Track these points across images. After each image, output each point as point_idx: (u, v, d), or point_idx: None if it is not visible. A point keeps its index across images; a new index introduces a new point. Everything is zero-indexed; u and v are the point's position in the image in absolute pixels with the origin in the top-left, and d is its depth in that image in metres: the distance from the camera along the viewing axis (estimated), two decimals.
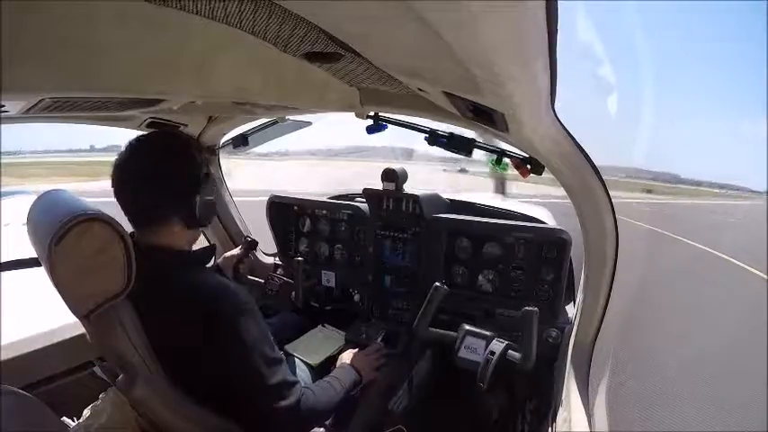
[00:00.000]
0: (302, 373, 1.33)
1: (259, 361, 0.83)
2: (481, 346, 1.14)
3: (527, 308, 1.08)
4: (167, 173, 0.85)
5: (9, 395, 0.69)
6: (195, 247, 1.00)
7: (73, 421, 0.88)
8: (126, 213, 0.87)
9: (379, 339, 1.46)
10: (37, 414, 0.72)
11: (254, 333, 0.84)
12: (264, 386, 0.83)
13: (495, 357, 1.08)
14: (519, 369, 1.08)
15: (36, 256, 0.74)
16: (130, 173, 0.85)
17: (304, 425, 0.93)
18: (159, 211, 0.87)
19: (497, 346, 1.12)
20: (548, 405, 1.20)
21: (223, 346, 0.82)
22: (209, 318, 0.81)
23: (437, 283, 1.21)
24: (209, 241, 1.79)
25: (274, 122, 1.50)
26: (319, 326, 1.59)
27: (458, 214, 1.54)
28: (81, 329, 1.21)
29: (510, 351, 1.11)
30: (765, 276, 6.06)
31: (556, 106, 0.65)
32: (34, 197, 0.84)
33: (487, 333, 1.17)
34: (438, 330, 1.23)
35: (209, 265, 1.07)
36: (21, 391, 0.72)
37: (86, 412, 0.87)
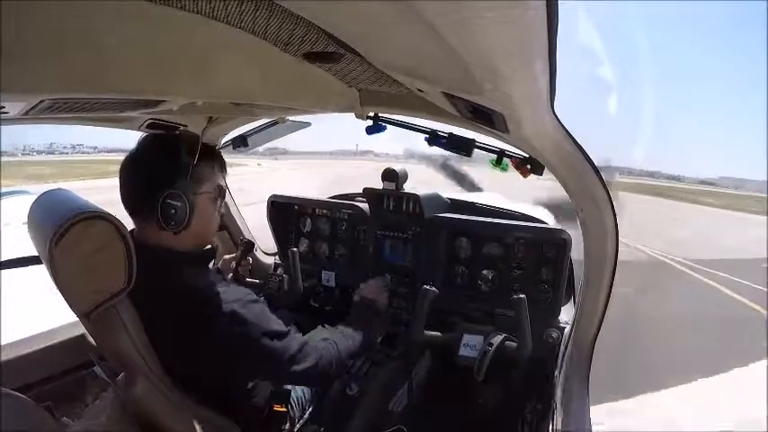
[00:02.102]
0: None
1: (269, 341, 0.86)
2: (480, 342, 1.16)
3: (515, 296, 1.10)
4: (140, 170, 0.89)
5: (4, 398, 0.69)
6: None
7: (73, 421, 0.88)
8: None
9: (379, 339, 1.46)
10: (33, 418, 0.72)
11: (258, 317, 0.87)
12: (283, 360, 0.87)
13: (492, 348, 1.11)
14: (516, 356, 1.10)
15: (36, 254, 0.74)
16: (121, 170, 0.89)
17: (330, 376, 0.99)
18: (136, 208, 0.89)
19: (496, 338, 1.14)
20: (548, 405, 1.20)
21: (229, 340, 0.83)
22: (209, 317, 0.81)
23: (425, 286, 1.21)
24: (210, 243, 1.79)
25: (274, 123, 1.50)
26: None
27: (458, 214, 1.54)
28: (81, 329, 1.22)
29: (507, 342, 1.13)
30: None
31: (555, 106, 0.66)
32: (34, 197, 0.84)
33: (486, 329, 1.19)
34: (434, 333, 1.23)
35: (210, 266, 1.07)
36: (17, 393, 0.72)
37: (87, 412, 0.87)
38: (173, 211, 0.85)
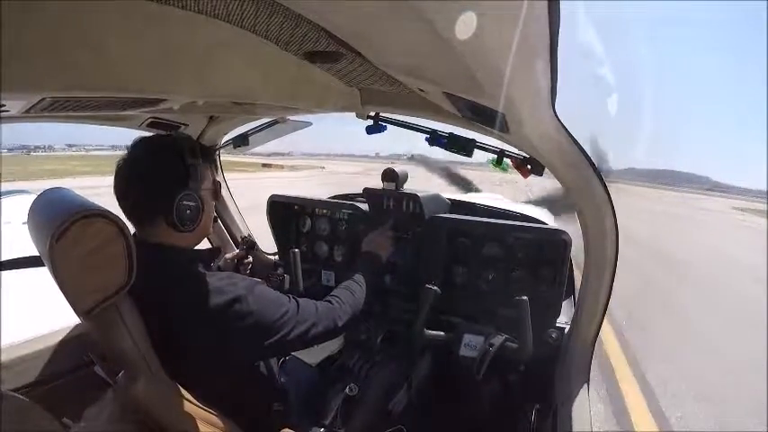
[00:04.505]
0: (302, 373, 1.34)
1: (279, 314, 0.89)
2: (481, 342, 1.16)
3: (517, 297, 1.11)
4: (147, 173, 0.87)
5: (4, 398, 0.69)
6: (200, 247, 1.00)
7: (73, 421, 0.88)
8: (123, 212, 0.88)
9: (379, 339, 1.46)
10: (33, 418, 0.72)
11: (265, 296, 0.89)
12: (293, 326, 0.91)
13: (493, 348, 1.12)
14: (516, 357, 1.11)
15: (36, 254, 0.74)
16: (121, 174, 0.88)
17: (337, 327, 1.02)
18: (143, 211, 0.89)
19: (497, 339, 1.15)
20: (548, 405, 1.20)
21: (250, 323, 0.84)
22: (220, 306, 0.82)
23: (427, 285, 1.22)
24: (211, 243, 1.79)
25: (275, 122, 1.50)
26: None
27: (458, 214, 1.54)
28: (81, 329, 1.22)
29: (508, 343, 1.14)
30: None
31: (556, 106, 0.66)
32: (34, 196, 0.84)
33: (486, 329, 1.19)
34: (435, 332, 1.23)
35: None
36: (17, 393, 0.72)
37: (87, 412, 0.87)
38: (188, 211, 0.88)
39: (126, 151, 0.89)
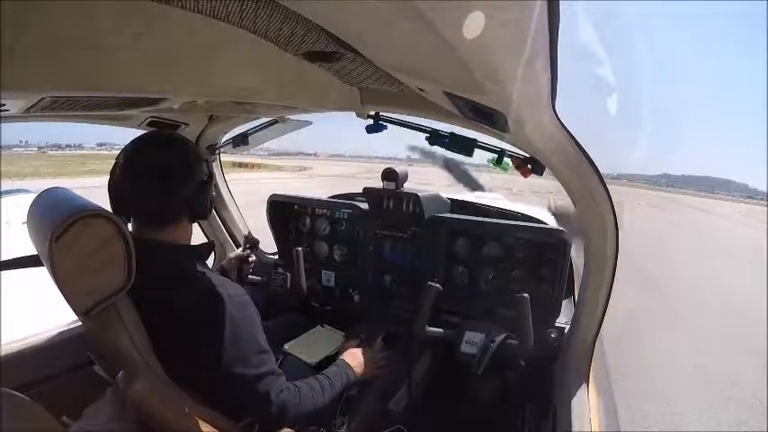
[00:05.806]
0: (300, 373, 1.34)
1: (249, 349, 0.86)
2: (482, 339, 1.17)
3: (518, 294, 1.11)
4: (173, 170, 0.87)
5: (4, 398, 0.69)
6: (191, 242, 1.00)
7: (73, 420, 0.88)
8: (130, 212, 0.88)
9: (379, 339, 1.46)
10: (33, 417, 0.72)
11: (249, 324, 0.87)
12: (250, 374, 0.85)
13: (494, 345, 1.13)
14: (517, 354, 1.12)
15: (36, 254, 0.74)
16: (140, 173, 0.85)
17: (281, 418, 0.91)
18: (172, 211, 0.89)
19: (498, 336, 1.17)
20: (547, 404, 1.20)
21: (219, 336, 0.82)
22: (207, 311, 0.82)
23: (429, 282, 1.23)
24: (208, 239, 1.79)
25: (275, 122, 1.50)
26: (318, 326, 1.59)
27: (458, 214, 1.54)
28: (81, 328, 1.22)
29: (509, 340, 1.16)
30: None
31: (556, 106, 0.66)
32: (34, 195, 0.84)
33: (487, 327, 1.20)
34: (436, 329, 1.24)
35: (209, 262, 1.07)
36: (16, 392, 0.72)
37: (86, 411, 0.87)
38: (207, 203, 0.93)
39: (127, 151, 0.87)
